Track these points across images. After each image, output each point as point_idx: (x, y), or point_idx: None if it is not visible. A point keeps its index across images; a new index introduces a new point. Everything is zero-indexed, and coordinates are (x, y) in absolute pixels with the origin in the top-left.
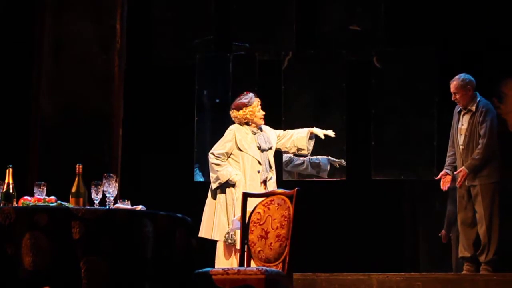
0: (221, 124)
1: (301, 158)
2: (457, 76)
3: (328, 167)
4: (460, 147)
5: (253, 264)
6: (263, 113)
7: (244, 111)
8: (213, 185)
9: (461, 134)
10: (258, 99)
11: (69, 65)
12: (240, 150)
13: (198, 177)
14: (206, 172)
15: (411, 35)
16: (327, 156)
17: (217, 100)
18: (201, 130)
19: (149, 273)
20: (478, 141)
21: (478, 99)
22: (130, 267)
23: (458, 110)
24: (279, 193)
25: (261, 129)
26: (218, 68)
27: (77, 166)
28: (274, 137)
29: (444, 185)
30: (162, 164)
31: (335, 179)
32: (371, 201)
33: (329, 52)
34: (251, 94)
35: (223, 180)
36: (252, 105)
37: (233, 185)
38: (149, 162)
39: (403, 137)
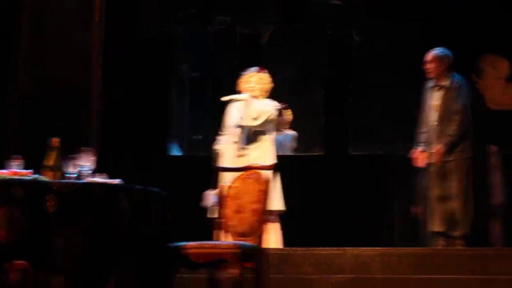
0: (200, 98)
1: None
2: (436, 48)
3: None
4: (434, 123)
5: (228, 238)
6: (251, 86)
7: (238, 84)
8: None
9: (434, 110)
10: (251, 73)
11: (48, 38)
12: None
13: (175, 151)
14: (183, 146)
15: (392, 10)
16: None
17: (197, 74)
18: (180, 104)
19: (124, 247)
20: (453, 117)
21: (452, 76)
22: (105, 241)
23: (431, 86)
24: (255, 167)
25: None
26: (198, 42)
27: (53, 139)
28: (265, 110)
29: (421, 162)
30: (140, 138)
31: (313, 154)
32: (348, 176)
33: (310, 27)
34: (252, 68)
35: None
36: (241, 77)
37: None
38: (126, 136)
39: (382, 112)
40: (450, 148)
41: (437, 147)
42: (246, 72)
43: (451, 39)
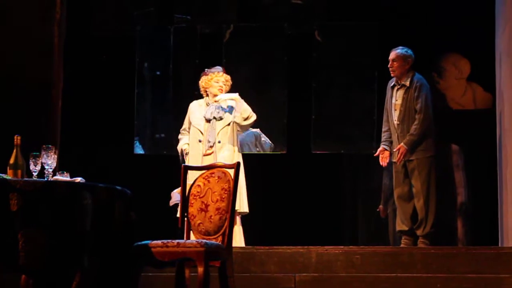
0: (162, 97)
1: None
2: (400, 47)
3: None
4: (395, 122)
5: (193, 237)
6: (220, 85)
7: (202, 80)
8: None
9: (396, 110)
10: (220, 72)
11: (9, 35)
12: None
13: (138, 150)
14: (146, 145)
15: (353, 10)
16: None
17: (158, 73)
18: (141, 103)
19: (87, 245)
20: (414, 116)
21: (412, 75)
22: (68, 239)
23: (392, 85)
24: (220, 166)
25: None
26: (159, 41)
27: (15, 137)
28: (252, 112)
29: (383, 161)
30: (102, 136)
31: (275, 152)
32: (311, 175)
33: (270, 25)
34: (217, 67)
35: (179, 152)
36: (208, 74)
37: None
38: (89, 134)
39: (343, 111)
40: (412, 147)
41: (399, 146)
42: (212, 70)
43: (411, 38)
